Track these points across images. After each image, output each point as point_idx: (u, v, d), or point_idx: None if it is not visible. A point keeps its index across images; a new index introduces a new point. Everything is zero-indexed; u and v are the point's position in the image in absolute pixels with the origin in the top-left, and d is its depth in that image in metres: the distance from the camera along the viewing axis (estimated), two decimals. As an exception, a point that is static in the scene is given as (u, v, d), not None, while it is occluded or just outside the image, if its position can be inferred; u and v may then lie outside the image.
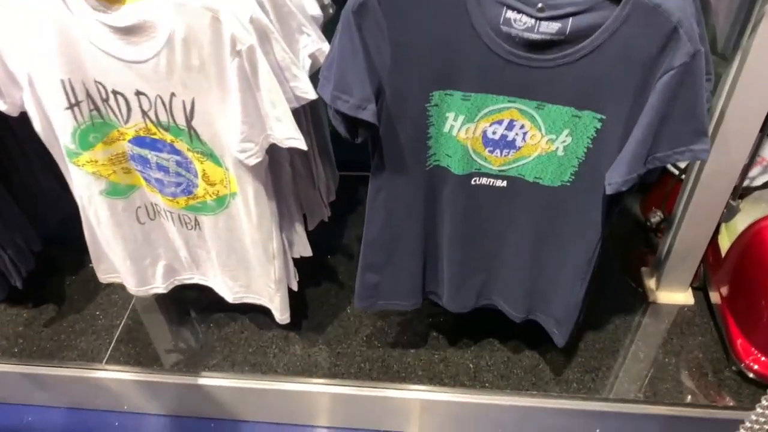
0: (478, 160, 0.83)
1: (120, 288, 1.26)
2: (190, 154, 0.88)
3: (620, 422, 1.12)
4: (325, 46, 0.86)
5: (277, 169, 0.96)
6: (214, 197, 0.93)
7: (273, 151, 0.90)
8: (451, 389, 1.12)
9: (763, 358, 1.10)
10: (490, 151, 0.82)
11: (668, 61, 0.68)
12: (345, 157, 1.21)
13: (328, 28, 0.87)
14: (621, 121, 0.75)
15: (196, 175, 0.91)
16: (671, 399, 1.10)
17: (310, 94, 0.82)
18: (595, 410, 1.11)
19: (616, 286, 1.28)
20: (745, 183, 1.17)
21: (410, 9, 0.71)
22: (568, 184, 0.83)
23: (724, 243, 1.18)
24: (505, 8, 0.70)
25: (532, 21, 0.69)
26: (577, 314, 0.97)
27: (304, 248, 1.10)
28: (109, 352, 1.17)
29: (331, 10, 0.97)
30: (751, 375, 1.10)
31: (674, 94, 0.70)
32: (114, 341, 1.19)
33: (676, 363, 1.15)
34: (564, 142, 0.79)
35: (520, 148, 0.81)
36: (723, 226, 1.17)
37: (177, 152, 0.88)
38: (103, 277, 1.08)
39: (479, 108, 0.78)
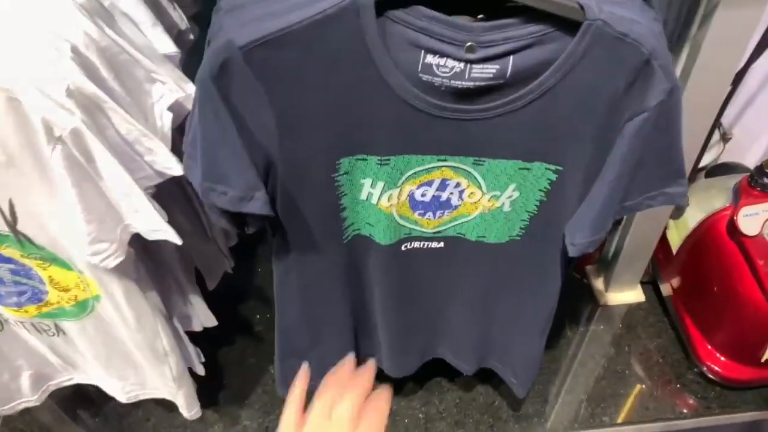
0: (407, 225, 0.66)
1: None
2: (26, 261, 0.66)
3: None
4: (190, 88, 0.65)
5: (152, 246, 0.75)
6: (72, 303, 0.71)
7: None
8: (401, 448, 0.98)
9: (722, 359, 1.02)
10: (420, 214, 0.65)
11: (639, 100, 0.53)
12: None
13: (192, 61, 0.65)
14: (581, 168, 0.59)
15: (42, 282, 0.69)
16: (638, 416, 1.01)
17: (174, 170, 0.61)
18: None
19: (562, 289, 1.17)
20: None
21: (295, 66, 0.51)
22: (518, 238, 0.68)
23: (673, 237, 1.08)
24: (422, 52, 0.51)
25: (461, 65, 0.51)
26: (538, 365, 0.84)
27: (206, 319, 0.91)
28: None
29: (191, 36, 0.74)
30: (711, 376, 1.03)
31: (647, 141, 0.55)
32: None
33: (637, 373, 1.06)
34: (510, 197, 0.63)
35: (456, 207, 0.65)
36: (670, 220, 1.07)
37: (8, 260, 0.66)
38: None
39: (402, 172, 0.60)
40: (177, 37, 0.72)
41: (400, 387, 1.03)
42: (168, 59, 0.66)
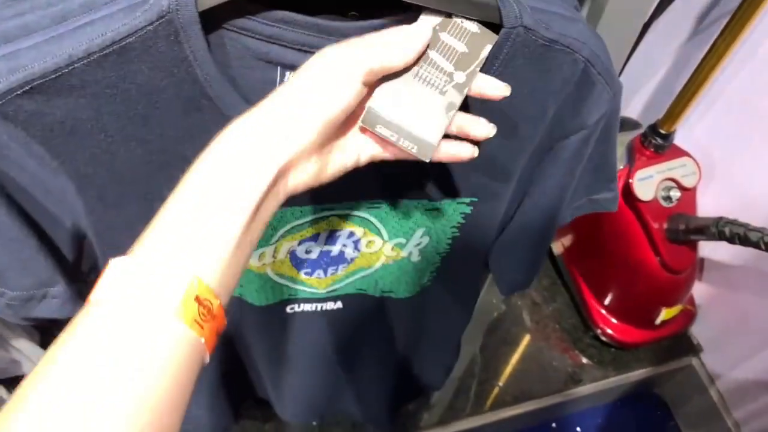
0: (292, 285, 0.52)
1: None
2: None
3: (500, 430, 0.99)
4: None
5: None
6: None
7: None
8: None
9: (615, 321, 1.01)
10: (307, 274, 0.51)
11: (576, 116, 0.42)
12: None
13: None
14: (501, 198, 0.48)
15: None
16: (541, 390, 0.98)
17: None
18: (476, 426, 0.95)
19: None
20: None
21: (88, 117, 0.34)
22: (429, 284, 0.56)
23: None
24: (279, 69, 0.35)
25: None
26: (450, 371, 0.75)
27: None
28: None
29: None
30: (606, 340, 1.02)
31: (582, 157, 0.44)
32: None
33: (535, 343, 1.03)
34: (419, 244, 0.50)
35: (353, 260, 0.51)
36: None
37: None
38: None
39: (274, 228, 0.45)
40: None
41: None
42: None
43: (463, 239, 0.50)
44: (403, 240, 0.49)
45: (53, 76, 0.30)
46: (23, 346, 0.70)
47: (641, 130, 0.92)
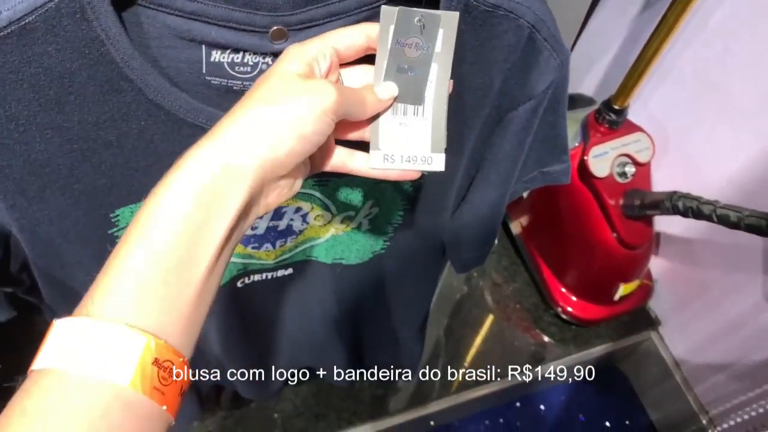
0: (239, 261, 0.50)
1: None
2: None
3: (465, 411, 0.99)
4: None
5: None
6: None
7: None
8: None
9: (574, 299, 1.01)
10: (255, 248, 0.48)
11: (523, 86, 0.40)
12: None
13: None
14: (452, 171, 0.46)
15: None
16: (502, 372, 0.98)
17: None
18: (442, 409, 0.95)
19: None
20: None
21: (13, 113, 0.31)
22: (383, 251, 0.54)
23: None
24: (204, 48, 0.33)
25: (268, 59, 0.34)
26: (422, 354, 0.74)
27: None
28: None
29: None
30: (566, 318, 1.02)
31: (531, 129, 0.43)
32: None
33: (497, 323, 1.03)
34: (368, 215, 0.48)
35: (301, 231, 0.49)
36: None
37: None
38: None
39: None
40: None
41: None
42: None
43: (415, 212, 0.49)
44: (352, 213, 0.47)
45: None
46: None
47: (596, 107, 0.91)
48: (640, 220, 0.91)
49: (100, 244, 0.40)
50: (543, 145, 0.47)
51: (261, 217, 0.44)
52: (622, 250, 0.92)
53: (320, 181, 0.43)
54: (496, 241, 0.63)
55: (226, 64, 0.34)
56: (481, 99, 0.40)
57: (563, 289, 1.02)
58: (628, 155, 0.90)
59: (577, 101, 0.98)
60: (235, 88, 0.35)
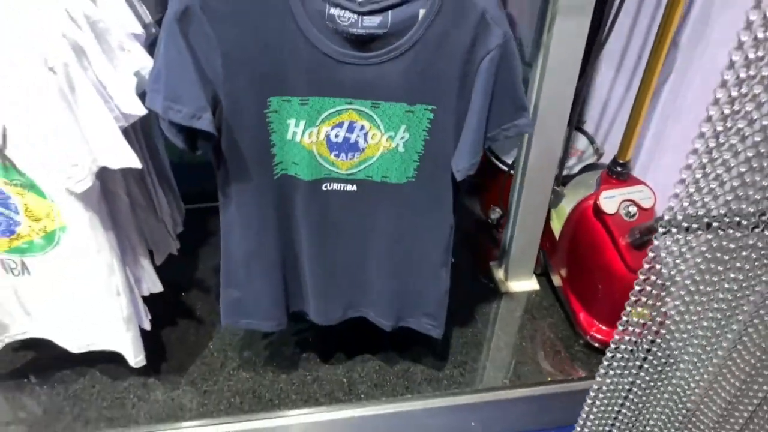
0: (326, 165, 0.84)
1: (-64, 361, 1.10)
2: (7, 188, 0.80)
3: (492, 410, 1.17)
4: (150, 64, 0.83)
5: (112, 199, 0.89)
6: (42, 234, 0.84)
7: (106, 178, 0.84)
8: (327, 407, 1.09)
9: (604, 328, 1.20)
10: (336, 155, 0.83)
11: (484, 45, 0.74)
12: (190, 188, 1.17)
13: (151, 52, 0.84)
14: (451, 110, 0.79)
15: (17, 212, 0.82)
16: (534, 380, 1.17)
17: (138, 110, 0.78)
18: (467, 403, 1.14)
19: (469, 283, 1.35)
20: (566, 172, 1.30)
21: (234, 15, 0.70)
22: (413, 179, 0.86)
23: (556, 227, 1.29)
24: (327, 5, 0.71)
25: (355, 16, 0.72)
26: (446, 301, 1.00)
27: (153, 284, 1.03)
28: (-73, 437, 1.00)
29: (153, 30, 0.93)
30: (596, 345, 1.20)
31: (495, 77, 0.76)
32: (-67, 422, 1.02)
33: (533, 346, 1.23)
34: (403, 138, 0.82)
35: (363, 149, 0.83)
36: (553, 212, 1.29)
37: (-9, 188, 0.80)
38: None
39: (318, 112, 0.78)
40: (143, 26, 0.91)
41: (325, 357, 1.16)
42: (135, 38, 0.84)
43: (432, 143, 0.82)
44: (392, 133, 0.81)
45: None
46: (146, 264, 1.03)
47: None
48: (645, 248, 1.14)
49: (259, 119, 0.78)
50: (509, 103, 0.79)
51: (341, 126, 0.80)
52: (630, 275, 1.14)
53: (375, 104, 0.79)
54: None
55: (336, 16, 0.72)
56: (463, 51, 0.74)
57: (590, 318, 1.22)
58: (632, 201, 1.17)
59: (601, 168, 1.28)
60: (338, 29, 0.72)
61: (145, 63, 0.82)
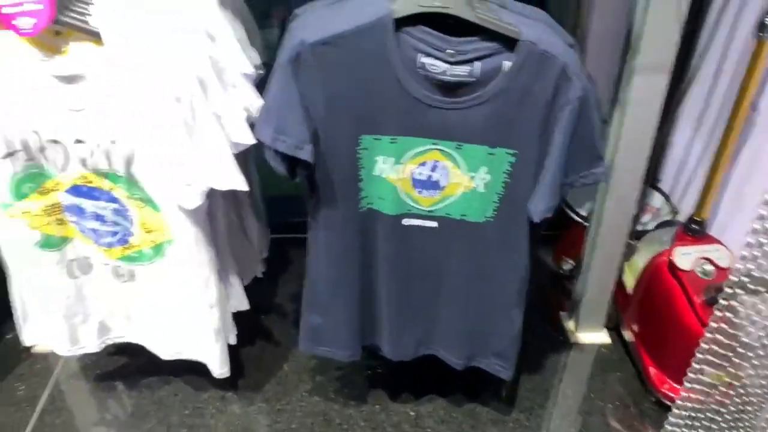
0: (409, 201, 0.90)
1: (41, 358, 1.21)
2: (129, 202, 0.91)
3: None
4: (258, 101, 0.93)
5: (212, 219, 0.99)
6: (151, 245, 0.94)
7: (209, 199, 0.94)
8: (393, 438, 1.13)
9: (676, 385, 1.18)
10: (419, 192, 0.89)
11: (564, 96, 0.79)
12: (276, 219, 1.26)
13: (259, 88, 0.94)
14: (532, 154, 0.84)
15: (132, 223, 0.93)
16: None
17: (248, 139, 0.88)
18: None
19: (539, 332, 1.36)
20: (640, 227, 1.31)
21: (339, 63, 0.79)
22: (492, 219, 0.91)
23: (629, 281, 1.29)
24: (418, 54, 0.79)
25: (445, 65, 0.79)
26: (519, 344, 1.02)
27: (240, 302, 1.11)
28: (31, 425, 1.10)
29: (261, 71, 1.05)
30: (668, 403, 1.18)
31: (574, 127, 0.81)
32: (37, 413, 1.13)
33: (601, 398, 1.22)
34: (484, 179, 0.87)
35: (444, 187, 0.89)
36: (626, 266, 1.29)
37: (115, 200, 0.90)
38: (29, 337, 1.04)
39: (405, 150, 0.85)
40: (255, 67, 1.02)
41: (395, 390, 1.20)
42: (247, 77, 0.95)
43: (512, 185, 0.87)
44: (473, 173, 0.87)
45: (335, 37, 0.76)
46: (235, 282, 1.11)
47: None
48: (720, 307, 1.13)
49: (350, 155, 0.85)
50: (586, 152, 0.84)
51: (424, 165, 0.86)
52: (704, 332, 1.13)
53: (458, 145, 0.85)
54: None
55: (427, 65, 0.79)
56: (544, 102, 0.80)
57: (662, 375, 1.20)
58: (708, 259, 1.16)
59: (676, 224, 1.29)
60: (428, 77, 0.79)
61: (253, 100, 0.93)
